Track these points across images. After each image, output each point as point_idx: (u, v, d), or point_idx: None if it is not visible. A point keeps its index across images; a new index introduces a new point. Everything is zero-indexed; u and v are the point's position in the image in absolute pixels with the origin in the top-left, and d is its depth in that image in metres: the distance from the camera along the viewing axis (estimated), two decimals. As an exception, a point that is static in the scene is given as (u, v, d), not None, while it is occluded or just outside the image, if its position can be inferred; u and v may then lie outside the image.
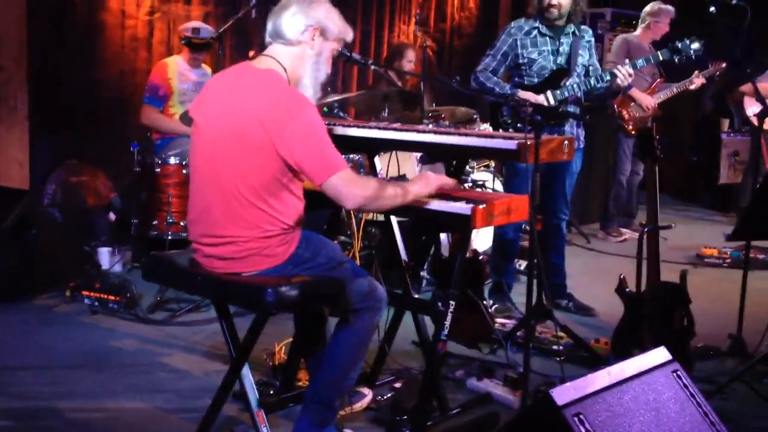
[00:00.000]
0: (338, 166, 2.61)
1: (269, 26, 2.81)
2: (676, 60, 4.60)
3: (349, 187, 2.62)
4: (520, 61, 4.56)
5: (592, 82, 4.51)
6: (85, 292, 4.56)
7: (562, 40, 4.55)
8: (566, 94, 4.46)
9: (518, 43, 4.56)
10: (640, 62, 4.67)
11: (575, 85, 4.48)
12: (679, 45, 4.52)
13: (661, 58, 4.65)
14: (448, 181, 2.90)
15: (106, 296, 4.51)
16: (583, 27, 4.65)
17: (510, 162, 4.65)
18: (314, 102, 2.79)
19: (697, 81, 6.68)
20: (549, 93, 4.45)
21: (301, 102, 2.65)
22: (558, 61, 4.53)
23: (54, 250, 4.85)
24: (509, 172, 4.71)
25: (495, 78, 4.58)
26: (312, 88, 2.83)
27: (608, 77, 4.54)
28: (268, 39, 2.83)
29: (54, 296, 4.71)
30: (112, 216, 5.68)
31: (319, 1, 2.83)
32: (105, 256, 5.28)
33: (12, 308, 4.53)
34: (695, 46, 4.48)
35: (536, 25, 4.55)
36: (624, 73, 4.50)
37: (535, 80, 4.52)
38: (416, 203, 2.80)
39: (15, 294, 4.63)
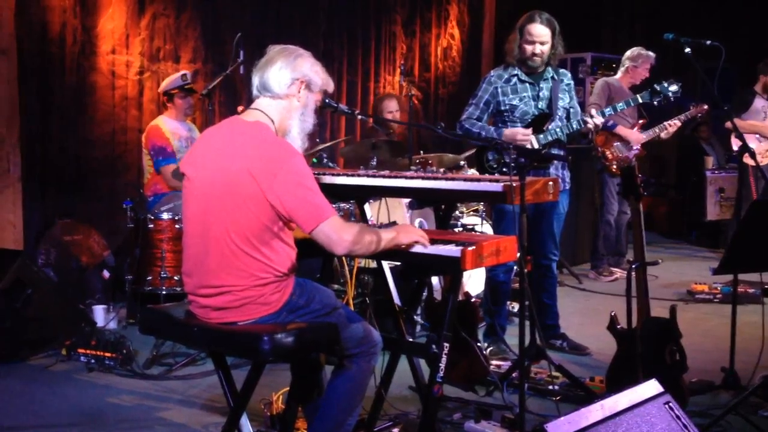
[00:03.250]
0: (327, 213, 2.68)
1: (255, 80, 2.90)
2: (656, 102, 4.68)
3: (338, 233, 2.69)
4: (502, 107, 4.63)
5: (574, 126, 4.59)
6: (81, 350, 4.57)
7: (541, 85, 4.61)
8: (549, 138, 4.53)
9: (499, 90, 4.63)
10: (620, 105, 4.77)
11: (558, 129, 4.56)
12: (658, 87, 4.60)
13: (640, 101, 4.74)
14: (424, 237, 2.93)
15: (102, 353, 4.52)
16: (561, 70, 4.73)
17: (497, 204, 4.70)
18: (302, 152, 2.86)
19: (675, 122, 6.74)
20: (533, 137, 4.52)
21: (289, 152, 2.73)
22: (539, 106, 4.60)
23: (49, 310, 4.86)
24: (498, 215, 4.77)
25: (480, 123, 4.65)
26: (300, 139, 2.91)
27: (624, 106, 4.75)
28: (255, 93, 2.91)
29: (50, 355, 4.71)
30: (106, 273, 5.72)
31: (303, 54, 2.93)
32: (100, 313, 5.29)
33: (8, 368, 4.53)
34: (673, 88, 4.57)
35: (515, 72, 4.63)
36: (594, 124, 4.58)
37: (518, 125, 4.59)
38: (406, 247, 2.86)
39: (11, 354, 4.63)
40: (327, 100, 3.04)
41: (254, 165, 2.67)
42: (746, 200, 7.44)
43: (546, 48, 4.53)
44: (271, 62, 2.87)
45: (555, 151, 4.57)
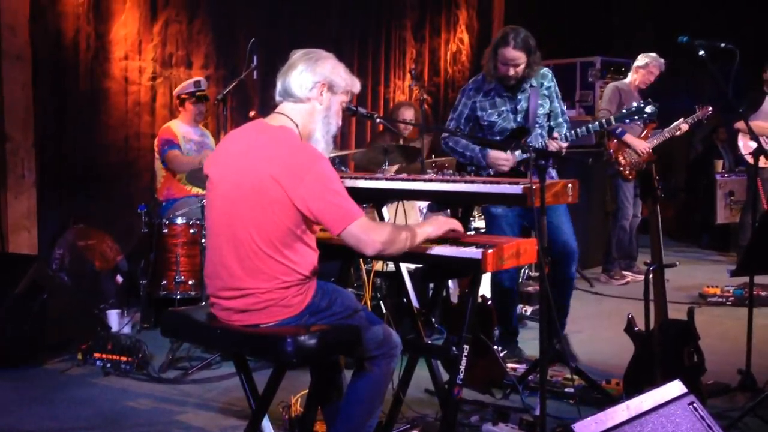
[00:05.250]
0: (355, 214, 2.69)
1: (279, 85, 2.91)
2: (628, 121, 4.59)
3: (368, 233, 2.69)
4: (482, 122, 4.53)
5: (569, 135, 4.44)
6: (96, 354, 4.58)
7: (519, 97, 4.48)
8: (525, 154, 4.33)
9: (477, 105, 4.53)
10: (581, 130, 4.51)
11: (538, 141, 4.44)
12: (634, 108, 4.41)
13: (614, 123, 4.60)
14: (457, 224, 2.97)
15: (118, 357, 4.53)
16: (542, 72, 4.53)
17: (486, 208, 4.69)
18: (327, 154, 2.87)
19: (683, 127, 6.83)
20: (513, 157, 4.40)
21: (314, 156, 2.74)
22: (518, 119, 4.48)
23: (64, 314, 4.88)
24: (488, 219, 4.70)
25: (463, 141, 4.53)
26: (324, 142, 2.91)
27: (586, 131, 4.47)
28: (278, 98, 2.92)
29: (65, 360, 4.72)
30: (119, 278, 5.74)
31: (325, 57, 2.93)
32: (114, 318, 5.31)
33: (25, 373, 4.54)
34: (649, 109, 4.37)
35: (493, 85, 4.50)
36: (555, 146, 4.40)
37: (498, 139, 4.50)
38: (427, 249, 2.87)
39: (27, 359, 4.66)
40: (347, 104, 3.04)
41: (279, 170, 2.68)
42: (755, 203, 7.44)
43: (521, 68, 4.36)
44: (293, 66, 2.88)
45: (543, 162, 4.43)
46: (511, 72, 4.36)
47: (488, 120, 4.52)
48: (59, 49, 5.75)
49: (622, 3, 10.66)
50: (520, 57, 4.33)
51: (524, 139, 4.39)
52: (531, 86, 4.48)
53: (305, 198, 2.67)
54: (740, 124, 7.46)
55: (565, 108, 4.68)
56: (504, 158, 4.39)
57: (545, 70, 4.58)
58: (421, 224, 2.93)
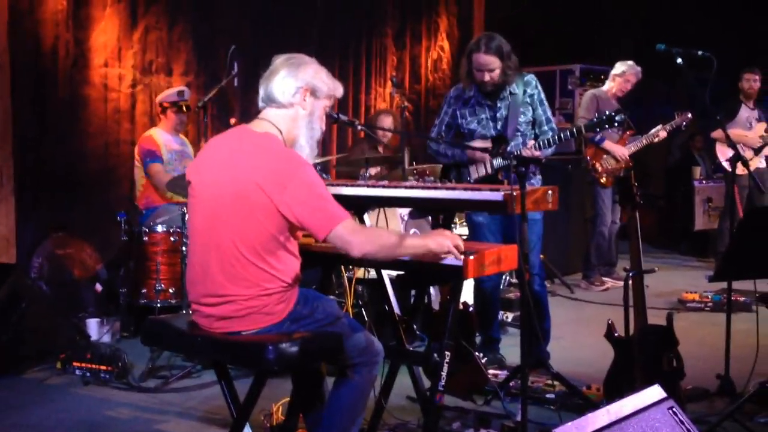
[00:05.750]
0: (341, 217, 2.69)
1: (261, 92, 2.91)
2: (598, 130, 4.56)
3: (354, 235, 2.70)
4: (462, 130, 4.55)
5: (542, 143, 4.39)
6: (76, 364, 4.55)
7: (499, 105, 4.46)
8: (502, 162, 4.35)
9: (458, 113, 4.54)
10: (549, 151, 4.48)
11: (516, 148, 4.40)
12: (604, 117, 4.34)
13: (584, 132, 4.57)
14: (461, 242, 2.83)
15: (97, 366, 4.50)
16: (526, 79, 4.50)
17: (469, 215, 4.70)
18: (311, 160, 2.87)
19: (661, 134, 6.89)
20: (490, 159, 4.41)
21: (298, 162, 2.74)
22: (497, 127, 4.47)
23: (43, 323, 4.84)
24: (470, 229, 4.70)
25: (443, 145, 4.56)
26: (308, 147, 2.92)
27: (558, 139, 4.39)
28: (261, 104, 2.92)
29: (45, 369, 4.68)
30: (98, 287, 5.70)
31: (308, 62, 2.94)
32: (94, 326, 5.27)
33: (4, 383, 4.49)
34: (618, 118, 4.29)
35: (472, 93, 4.50)
36: (528, 154, 4.31)
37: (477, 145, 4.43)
38: (435, 257, 2.82)
39: (6, 368, 4.61)
40: (329, 110, 3.05)
41: (263, 177, 2.68)
42: (732, 210, 7.53)
43: (495, 74, 4.35)
44: (275, 72, 2.88)
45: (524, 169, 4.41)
46: (486, 77, 4.36)
47: (468, 128, 4.53)
48: (38, 56, 5.70)
49: (601, 11, 10.74)
50: (492, 62, 4.33)
51: (502, 148, 4.36)
52: (511, 94, 4.47)
53: (290, 204, 2.67)
54: (717, 134, 7.55)
55: (551, 115, 4.61)
56: (480, 156, 4.40)
57: (529, 77, 4.55)
58: (423, 236, 2.88)
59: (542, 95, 4.57)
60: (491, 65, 4.34)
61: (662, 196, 10.37)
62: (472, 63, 4.38)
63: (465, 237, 5.60)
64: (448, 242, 2.79)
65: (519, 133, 4.48)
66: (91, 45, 5.96)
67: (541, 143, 4.41)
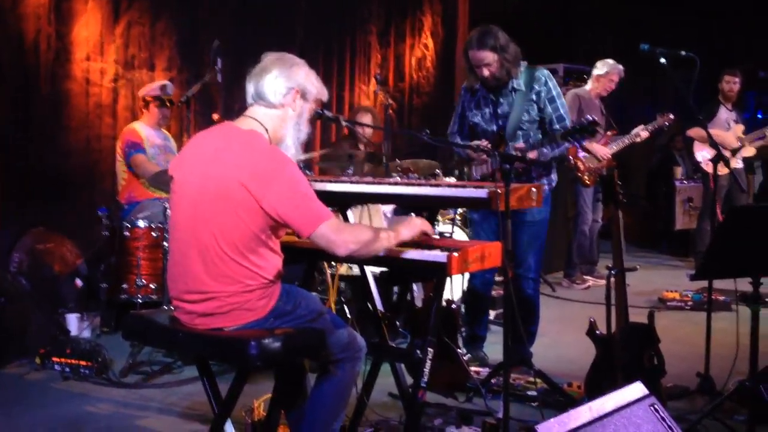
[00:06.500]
0: (325, 216, 2.69)
1: (250, 88, 2.89)
2: (572, 137, 4.48)
3: (339, 234, 2.70)
4: (469, 122, 4.56)
5: (533, 141, 4.36)
6: (55, 359, 4.52)
7: (501, 101, 4.42)
8: (497, 163, 4.10)
9: (466, 106, 4.56)
10: (548, 151, 4.43)
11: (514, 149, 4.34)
12: (578, 126, 4.21)
13: (559, 140, 4.37)
14: (429, 226, 2.97)
15: (77, 362, 4.47)
16: (536, 74, 4.40)
17: (470, 214, 4.71)
18: (295, 160, 2.86)
19: (643, 134, 6.90)
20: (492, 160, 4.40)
21: (282, 160, 2.73)
22: (499, 123, 4.43)
23: (22, 318, 4.80)
24: (471, 226, 4.71)
25: (458, 139, 4.61)
26: (294, 148, 2.92)
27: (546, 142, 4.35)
28: (249, 101, 2.91)
29: (24, 364, 4.65)
30: (78, 282, 5.66)
31: (299, 63, 2.94)
32: (73, 322, 5.23)
33: (-18, 378, 4.47)
34: (591, 129, 4.36)
35: (478, 87, 4.47)
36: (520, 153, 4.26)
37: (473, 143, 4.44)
38: (393, 252, 2.87)
39: (-13, 364, 4.58)
40: (317, 110, 3.05)
41: (247, 175, 2.67)
42: (708, 206, 7.63)
43: (493, 68, 4.30)
44: (267, 70, 2.87)
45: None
46: (485, 72, 4.33)
47: (473, 120, 4.53)
48: (20, 50, 5.65)
49: (585, 10, 10.79)
50: (486, 56, 4.29)
51: (502, 148, 4.32)
52: (515, 90, 4.38)
53: (274, 203, 2.66)
54: (693, 132, 7.61)
55: (564, 113, 4.44)
56: (475, 155, 4.41)
57: (540, 73, 4.41)
58: (394, 227, 2.93)
59: (554, 92, 4.42)
60: (485, 60, 4.30)
61: (644, 195, 10.44)
62: (470, 60, 4.37)
63: (448, 234, 5.64)
64: (419, 222, 2.91)
65: (522, 132, 4.40)
66: (73, 39, 5.93)
67: (531, 143, 4.36)
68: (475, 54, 4.32)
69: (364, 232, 2.78)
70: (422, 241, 2.99)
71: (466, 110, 4.56)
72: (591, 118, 4.09)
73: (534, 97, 4.40)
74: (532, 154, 4.32)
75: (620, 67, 7.06)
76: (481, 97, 4.49)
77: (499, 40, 4.30)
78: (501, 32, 4.35)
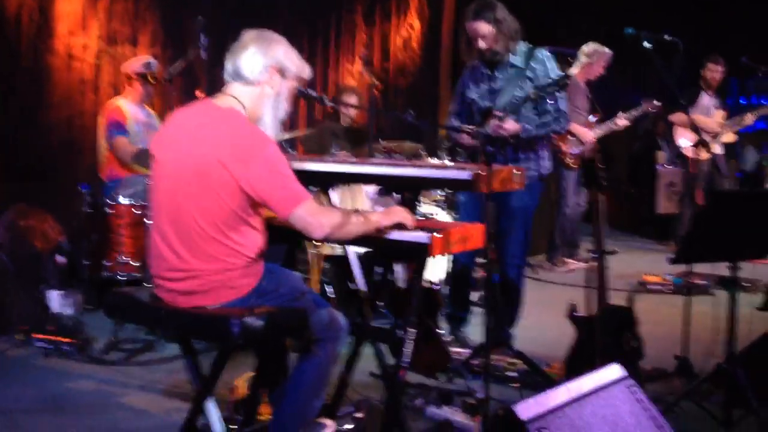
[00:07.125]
0: (302, 197, 2.69)
1: (228, 66, 2.88)
2: (543, 91, 4.36)
3: (315, 216, 2.70)
4: (466, 100, 4.53)
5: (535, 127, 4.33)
6: (37, 336, 4.51)
7: (498, 76, 4.40)
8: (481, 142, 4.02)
9: (466, 83, 4.54)
10: (531, 128, 4.37)
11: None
12: (550, 81, 4.25)
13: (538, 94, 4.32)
14: (407, 216, 2.94)
15: (59, 339, 4.47)
16: (536, 53, 4.37)
17: (458, 195, 4.73)
18: (275, 139, 2.86)
19: (621, 122, 6.93)
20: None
21: (262, 139, 2.73)
22: (494, 100, 4.39)
23: (3, 295, 4.79)
24: (459, 208, 4.74)
25: (455, 121, 4.57)
26: (272, 126, 2.90)
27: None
28: (227, 78, 2.89)
29: (5, 341, 4.64)
30: (60, 258, 5.63)
31: (278, 40, 2.91)
32: (55, 299, 5.19)
33: (-38, 354, 4.46)
34: (561, 81, 4.24)
35: (476, 63, 4.49)
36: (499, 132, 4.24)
37: (477, 119, 4.49)
38: (388, 229, 2.88)
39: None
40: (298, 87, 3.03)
41: (226, 153, 2.66)
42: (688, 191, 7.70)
43: (489, 40, 4.28)
44: (244, 47, 2.85)
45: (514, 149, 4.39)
46: (481, 44, 4.31)
47: (471, 97, 4.51)
48: (1, 24, 5.58)
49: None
50: (481, 27, 4.28)
51: (487, 122, 4.27)
52: (512, 66, 4.36)
53: (252, 181, 2.66)
54: (675, 117, 7.66)
55: (562, 95, 4.37)
56: (461, 137, 4.41)
57: (540, 53, 4.39)
58: (373, 213, 2.94)
59: (551, 74, 4.34)
60: (481, 31, 4.29)
61: (626, 180, 10.50)
62: (467, 32, 4.36)
63: (432, 215, 5.66)
64: (396, 216, 2.90)
65: (513, 107, 4.31)
66: (56, 13, 5.85)
67: (527, 127, 4.31)
68: (471, 25, 4.31)
69: (340, 215, 2.78)
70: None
71: (466, 87, 4.55)
72: (563, 74, 4.15)
73: (530, 74, 4.35)
74: (509, 125, 4.25)
75: (606, 50, 7.06)
76: (478, 73, 4.49)
77: (497, 13, 4.30)
78: (500, 6, 4.35)
